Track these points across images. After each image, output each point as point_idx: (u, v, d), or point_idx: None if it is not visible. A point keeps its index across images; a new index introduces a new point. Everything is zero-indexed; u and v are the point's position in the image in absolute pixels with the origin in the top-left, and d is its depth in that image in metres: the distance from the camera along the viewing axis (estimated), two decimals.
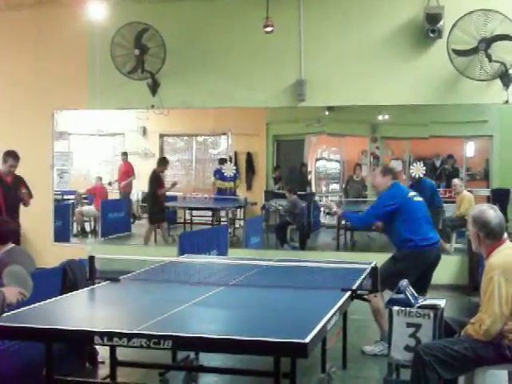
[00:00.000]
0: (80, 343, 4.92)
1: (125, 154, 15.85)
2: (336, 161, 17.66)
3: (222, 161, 15.19)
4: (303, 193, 14.33)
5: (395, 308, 4.49)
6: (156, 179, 12.08)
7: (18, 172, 8.79)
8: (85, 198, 14.97)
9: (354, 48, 10.05)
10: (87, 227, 14.44)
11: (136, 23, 10.24)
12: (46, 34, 11.02)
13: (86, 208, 14.42)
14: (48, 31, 11.00)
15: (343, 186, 15.48)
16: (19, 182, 8.80)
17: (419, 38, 9.69)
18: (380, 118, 15.55)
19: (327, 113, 14.31)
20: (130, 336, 3.56)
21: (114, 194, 15.77)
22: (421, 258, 6.32)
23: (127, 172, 15.46)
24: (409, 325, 4.44)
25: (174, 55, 10.22)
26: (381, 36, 9.96)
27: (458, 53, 9.36)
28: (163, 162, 12.53)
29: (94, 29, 10.45)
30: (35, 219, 9.91)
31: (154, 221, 12.16)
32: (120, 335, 3.58)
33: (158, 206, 12.23)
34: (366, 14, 10.04)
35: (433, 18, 9.38)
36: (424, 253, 6.34)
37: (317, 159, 17.27)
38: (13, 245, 5.54)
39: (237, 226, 14.14)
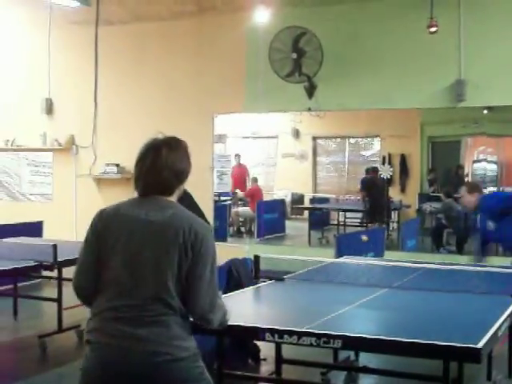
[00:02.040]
0: (250, 339, 5.09)
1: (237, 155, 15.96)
2: (493, 162, 17.03)
3: (369, 170, 15.12)
4: (459, 196, 13.93)
5: None
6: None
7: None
8: (240, 200, 15.36)
9: None
10: (242, 228, 14.81)
11: (293, 27, 10.39)
12: (206, 40, 11.43)
13: (241, 209, 14.80)
14: (208, 38, 11.41)
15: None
16: None
17: None
18: None
19: (486, 113, 13.84)
20: (300, 334, 3.64)
21: (267, 195, 16.11)
22: None
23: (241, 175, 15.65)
24: None
25: (331, 58, 10.26)
26: None
27: None
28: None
29: (252, 34, 10.72)
30: None
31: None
32: (290, 333, 3.67)
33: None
34: None
35: None
36: None
37: (474, 161, 16.74)
38: None
39: (391, 228, 13.99)
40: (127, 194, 11.53)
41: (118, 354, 2.83)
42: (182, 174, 3.11)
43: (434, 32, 9.38)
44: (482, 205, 7.09)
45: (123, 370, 2.82)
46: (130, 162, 11.88)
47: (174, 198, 3.07)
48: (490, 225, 6.99)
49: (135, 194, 3.10)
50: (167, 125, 11.56)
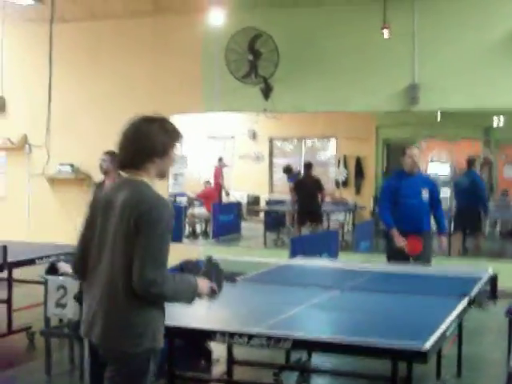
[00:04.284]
0: (201, 340, 5.06)
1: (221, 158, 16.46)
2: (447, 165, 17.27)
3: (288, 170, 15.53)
4: None
5: None
6: (320, 184, 12.49)
7: None
8: (196, 200, 15.32)
9: (470, 51, 9.83)
10: (198, 229, 14.77)
11: (250, 29, 10.41)
12: (163, 40, 11.37)
13: (197, 210, 14.75)
14: (164, 38, 11.35)
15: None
16: None
17: None
18: (494, 121, 15.11)
19: (439, 116, 14.05)
20: (250, 335, 3.65)
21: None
22: None
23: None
24: None
25: (287, 60, 10.32)
26: (497, 38, 9.69)
27: None
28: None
29: (209, 35, 10.72)
30: None
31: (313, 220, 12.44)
32: (241, 334, 3.68)
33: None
34: (482, 17, 9.80)
35: None
36: None
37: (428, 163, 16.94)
38: None
39: (345, 230, 14.11)
40: (81, 194, 11.43)
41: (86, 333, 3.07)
42: (148, 149, 3.06)
43: (387, 35, 9.49)
44: None
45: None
46: (84, 162, 11.86)
47: (148, 175, 3.07)
48: None
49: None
50: (123, 124, 11.47)
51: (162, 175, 3.13)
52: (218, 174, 16.12)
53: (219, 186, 15.99)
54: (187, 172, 15.07)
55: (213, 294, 3.25)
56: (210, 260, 3.39)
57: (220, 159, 16.49)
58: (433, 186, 7.60)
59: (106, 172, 8.01)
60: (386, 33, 9.46)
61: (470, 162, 11.78)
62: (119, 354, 2.96)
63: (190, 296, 3.08)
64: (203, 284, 3.17)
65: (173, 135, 3.13)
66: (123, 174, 3.13)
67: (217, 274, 3.32)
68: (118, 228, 2.95)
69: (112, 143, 11.24)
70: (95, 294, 3.02)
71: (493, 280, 4.95)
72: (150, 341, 2.99)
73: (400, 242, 7.15)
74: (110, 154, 8.05)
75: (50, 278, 5.69)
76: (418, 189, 7.29)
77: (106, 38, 11.77)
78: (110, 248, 2.97)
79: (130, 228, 2.89)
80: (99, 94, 11.75)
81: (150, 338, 2.98)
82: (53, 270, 5.80)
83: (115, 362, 2.98)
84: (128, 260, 2.89)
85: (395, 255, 7.12)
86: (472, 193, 11.33)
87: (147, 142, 3.04)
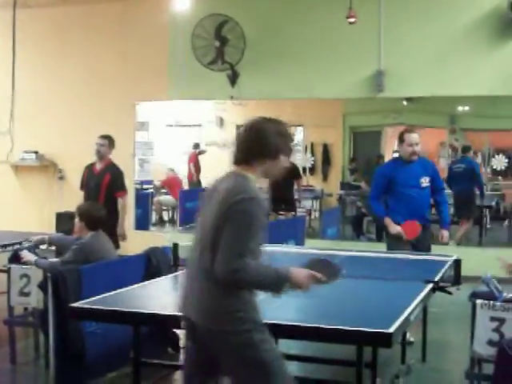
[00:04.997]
0: (167, 327, 5.04)
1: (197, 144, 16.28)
2: None
3: None
4: None
5: (479, 301, 4.44)
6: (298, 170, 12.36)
7: None
8: (162, 188, 15.25)
9: (435, 38, 9.91)
10: (165, 216, 14.69)
11: (216, 15, 10.36)
12: (128, 25, 11.25)
13: (163, 197, 14.67)
14: (130, 23, 11.23)
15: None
16: (106, 172, 8.01)
17: (502, 28, 9.46)
18: (460, 109, 15.26)
19: (405, 104, 14.15)
20: None
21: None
22: None
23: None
24: (493, 319, 4.37)
25: (254, 46, 10.30)
26: (462, 25, 9.78)
27: None
28: None
29: (175, 21, 10.63)
30: None
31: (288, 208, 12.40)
32: None
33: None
34: (447, 3, 9.88)
35: None
36: None
37: (394, 151, 17.07)
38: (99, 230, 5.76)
39: (312, 217, 14.14)
40: (46, 181, 11.26)
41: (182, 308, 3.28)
42: (260, 149, 3.16)
43: (353, 23, 9.53)
44: None
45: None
46: (49, 149, 11.72)
47: (254, 173, 3.18)
48: None
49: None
50: (88, 111, 11.36)
51: (269, 176, 3.26)
52: (191, 161, 15.95)
53: (191, 173, 15.81)
54: (153, 159, 14.95)
55: (319, 281, 3.24)
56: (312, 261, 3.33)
57: (196, 145, 16.30)
58: (434, 171, 6.79)
59: (102, 157, 8.02)
60: (352, 20, 9.46)
61: (465, 149, 11.96)
62: (209, 332, 3.09)
63: (277, 285, 3.15)
64: (299, 273, 3.19)
65: (287, 140, 3.25)
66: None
67: (320, 265, 3.29)
68: (212, 213, 3.08)
69: (76, 130, 11.25)
70: (192, 276, 3.19)
71: (457, 265, 5.00)
72: (239, 320, 3.08)
73: (395, 229, 6.54)
74: (108, 138, 8.07)
75: (12, 266, 5.62)
76: (416, 177, 6.56)
77: (71, 24, 11.60)
78: (204, 231, 3.12)
79: (220, 215, 3.02)
80: (64, 81, 11.61)
81: (238, 318, 3.08)
82: (16, 258, 5.73)
83: (208, 340, 3.12)
84: (214, 245, 3.03)
85: (396, 244, 6.58)
86: (467, 179, 11.46)
87: (261, 142, 3.17)
